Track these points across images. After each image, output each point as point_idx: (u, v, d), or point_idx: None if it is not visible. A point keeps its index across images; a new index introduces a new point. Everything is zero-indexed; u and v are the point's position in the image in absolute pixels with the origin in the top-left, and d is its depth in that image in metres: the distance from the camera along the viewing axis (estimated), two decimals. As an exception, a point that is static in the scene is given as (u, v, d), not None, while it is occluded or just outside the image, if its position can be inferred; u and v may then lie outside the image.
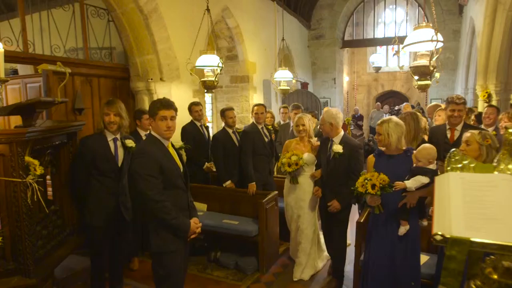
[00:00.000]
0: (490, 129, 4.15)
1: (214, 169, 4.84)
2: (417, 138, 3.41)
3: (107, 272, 3.31)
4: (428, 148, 2.67)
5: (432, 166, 2.61)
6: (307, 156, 3.79)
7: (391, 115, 4.25)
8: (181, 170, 2.59)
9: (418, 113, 4.59)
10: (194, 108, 4.91)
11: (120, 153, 3.16)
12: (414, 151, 2.78)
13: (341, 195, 3.47)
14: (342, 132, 3.55)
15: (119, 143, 3.17)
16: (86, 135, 3.31)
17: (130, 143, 3.23)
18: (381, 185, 2.61)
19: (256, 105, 4.91)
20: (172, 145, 2.64)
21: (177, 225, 2.45)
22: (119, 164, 3.15)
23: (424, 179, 2.56)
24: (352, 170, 3.42)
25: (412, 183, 2.58)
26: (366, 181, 2.66)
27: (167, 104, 2.48)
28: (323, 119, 3.57)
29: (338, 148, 3.46)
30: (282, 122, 6.36)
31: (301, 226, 3.83)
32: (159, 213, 2.40)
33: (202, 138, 4.96)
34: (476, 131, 2.68)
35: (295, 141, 3.96)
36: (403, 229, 2.69)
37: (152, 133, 2.54)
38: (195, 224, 2.56)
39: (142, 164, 2.40)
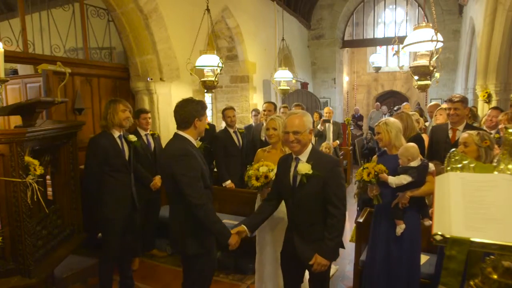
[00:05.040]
0: (493, 132, 4.03)
1: None
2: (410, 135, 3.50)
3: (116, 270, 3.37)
4: (408, 146, 2.72)
5: (414, 163, 2.66)
6: None
7: (390, 115, 4.26)
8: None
9: (415, 113, 4.61)
10: None
11: (126, 148, 3.31)
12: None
13: (324, 245, 2.28)
14: (310, 146, 2.43)
15: (123, 139, 3.33)
16: (95, 135, 3.39)
17: (133, 137, 3.42)
18: (376, 173, 2.67)
19: (265, 102, 4.80)
20: None
21: (218, 229, 2.42)
22: (127, 159, 3.33)
23: (405, 178, 2.62)
24: (329, 199, 2.26)
25: (393, 179, 2.66)
26: (363, 170, 2.74)
27: None
28: (299, 124, 2.33)
29: (304, 168, 2.30)
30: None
31: (269, 249, 3.13)
32: (203, 215, 2.36)
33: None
34: (474, 132, 2.65)
35: (267, 149, 3.27)
36: (399, 229, 2.71)
37: (182, 133, 2.47)
38: (235, 237, 2.47)
39: (187, 166, 2.35)
